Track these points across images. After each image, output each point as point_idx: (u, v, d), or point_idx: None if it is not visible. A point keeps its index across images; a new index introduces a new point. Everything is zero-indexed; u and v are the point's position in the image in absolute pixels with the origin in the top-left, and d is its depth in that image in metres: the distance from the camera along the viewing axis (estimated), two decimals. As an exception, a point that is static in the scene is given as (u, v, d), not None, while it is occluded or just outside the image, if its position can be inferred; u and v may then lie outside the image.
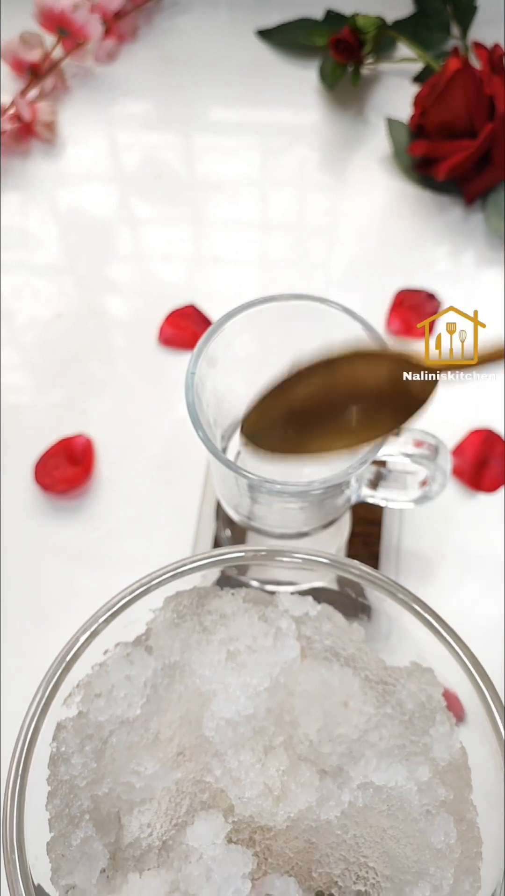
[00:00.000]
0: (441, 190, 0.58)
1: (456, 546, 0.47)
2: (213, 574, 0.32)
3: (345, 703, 0.28)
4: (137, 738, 0.27)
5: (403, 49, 0.63)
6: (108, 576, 0.46)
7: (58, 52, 0.63)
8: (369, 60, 0.63)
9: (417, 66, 0.62)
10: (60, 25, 0.61)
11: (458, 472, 0.48)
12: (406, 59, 0.63)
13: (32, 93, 0.62)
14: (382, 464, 0.41)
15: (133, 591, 0.30)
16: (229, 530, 0.46)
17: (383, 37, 0.62)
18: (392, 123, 0.60)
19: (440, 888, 0.25)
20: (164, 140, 0.63)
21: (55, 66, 0.63)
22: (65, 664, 0.28)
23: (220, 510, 0.46)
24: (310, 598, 0.30)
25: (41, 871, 0.26)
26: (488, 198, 0.57)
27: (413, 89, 0.60)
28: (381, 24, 0.60)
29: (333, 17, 0.64)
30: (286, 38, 0.65)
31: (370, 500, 0.40)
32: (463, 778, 0.28)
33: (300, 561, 0.30)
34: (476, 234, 0.57)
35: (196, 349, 0.36)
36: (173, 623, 0.29)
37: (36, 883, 0.25)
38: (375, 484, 0.40)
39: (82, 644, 0.28)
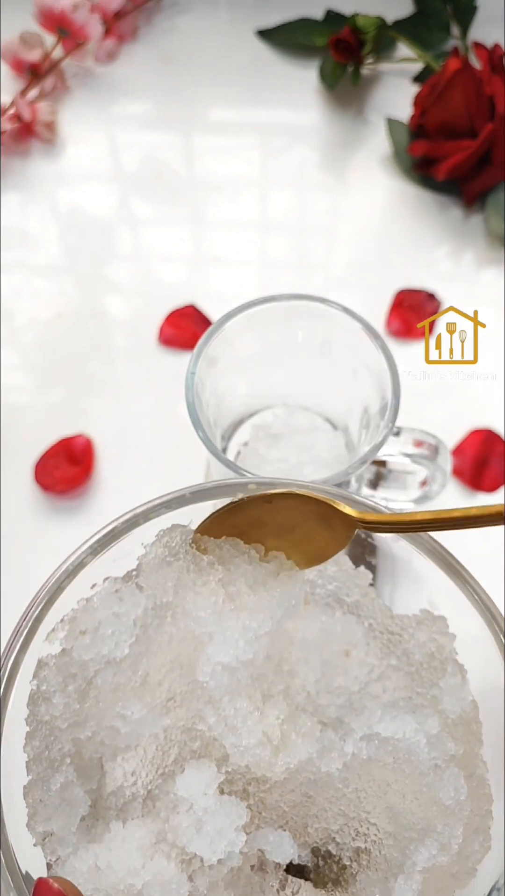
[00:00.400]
0: (441, 190, 0.58)
1: (456, 546, 0.47)
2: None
3: (346, 652, 0.27)
4: (124, 680, 0.25)
5: (403, 49, 0.63)
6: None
7: (58, 52, 0.63)
8: (369, 60, 0.63)
9: (417, 66, 0.62)
10: (60, 25, 0.61)
11: (458, 472, 0.48)
12: (406, 59, 0.63)
13: (32, 93, 0.62)
14: (382, 464, 0.41)
15: (122, 521, 0.27)
16: None
17: (383, 37, 0.62)
18: (392, 123, 0.60)
19: (448, 847, 0.24)
20: (164, 140, 0.63)
21: (55, 66, 0.63)
22: (48, 597, 0.26)
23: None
24: None
25: (17, 816, 0.24)
26: (488, 198, 0.57)
27: (413, 89, 0.60)
28: (381, 24, 0.60)
29: (333, 17, 0.64)
30: (286, 38, 0.65)
31: (370, 501, 0.40)
32: (474, 732, 0.26)
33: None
34: (476, 234, 0.57)
35: (196, 349, 0.36)
36: (165, 561, 0.26)
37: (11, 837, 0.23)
38: (375, 484, 0.40)
39: (67, 574, 0.26)
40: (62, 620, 0.26)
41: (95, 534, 0.27)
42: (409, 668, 0.27)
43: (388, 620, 0.28)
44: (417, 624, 0.27)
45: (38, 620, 0.26)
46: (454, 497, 0.48)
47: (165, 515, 0.28)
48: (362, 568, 0.28)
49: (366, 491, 0.39)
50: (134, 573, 0.26)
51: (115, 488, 0.49)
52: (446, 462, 0.36)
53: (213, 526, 0.26)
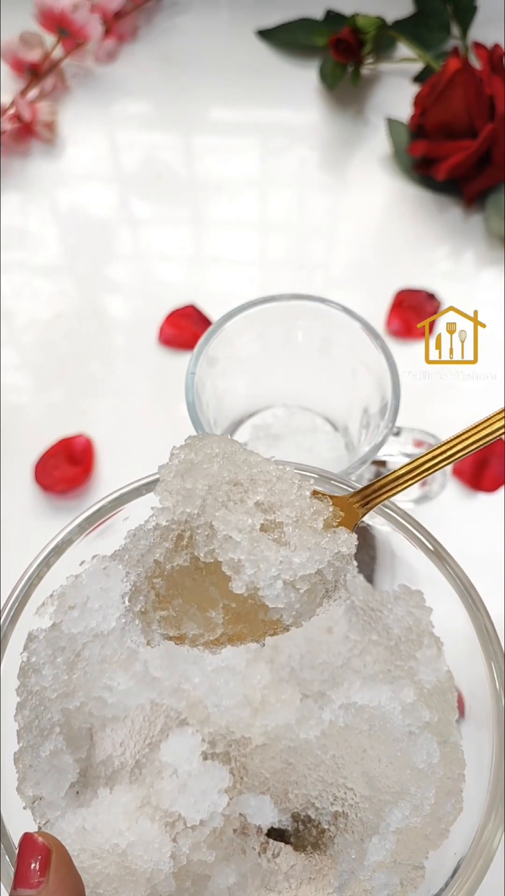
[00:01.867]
0: (441, 190, 0.58)
1: (456, 546, 0.47)
2: None
3: (329, 629, 0.27)
4: (111, 653, 0.26)
5: (403, 49, 0.63)
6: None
7: (58, 52, 0.63)
8: (369, 60, 0.63)
9: (417, 66, 0.62)
10: (60, 25, 0.61)
11: (458, 472, 0.48)
12: (406, 59, 0.63)
13: (32, 93, 0.62)
14: (382, 464, 0.41)
15: (110, 499, 0.28)
16: None
17: (383, 37, 0.62)
18: (392, 123, 0.60)
19: (420, 808, 0.25)
20: (164, 140, 0.63)
21: (55, 66, 0.63)
22: (37, 573, 0.27)
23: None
24: None
25: (8, 781, 0.25)
26: (488, 198, 0.57)
27: (413, 89, 0.60)
28: (381, 24, 0.60)
29: (333, 17, 0.64)
30: (286, 38, 0.65)
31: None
32: (448, 701, 0.27)
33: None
34: (476, 234, 0.57)
35: (196, 349, 0.36)
36: (195, 465, 0.25)
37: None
38: None
39: (55, 551, 0.27)
40: (51, 595, 0.26)
41: (83, 512, 0.28)
42: (388, 642, 0.28)
43: (368, 597, 0.28)
44: (396, 599, 0.28)
45: (28, 595, 0.27)
46: (454, 497, 0.48)
47: (151, 495, 0.28)
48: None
49: None
50: (121, 551, 0.26)
51: (115, 488, 0.49)
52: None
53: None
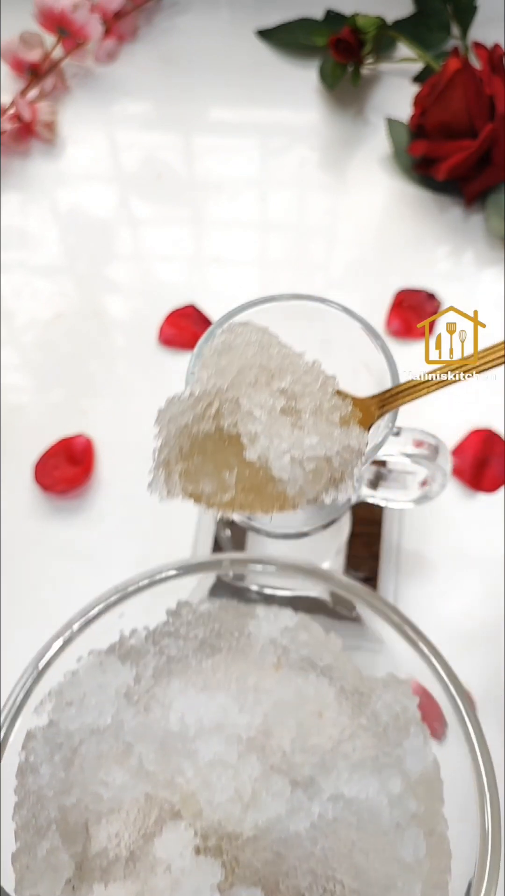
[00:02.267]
0: (441, 190, 0.58)
1: (456, 546, 0.47)
2: (209, 580, 0.32)
3: (319, 713, 0.28)
4: (107, 748, 0.27)
5: (403, 49, 0.63)
6: (107, 575, 0.46)
7: (58, 52, 0.63)
8: (369, 60, 0.63)
9: (417, 66, 0.62)
10: (60, 25, 0.61)
11: (458, 472, 0.48)
12: (406, 59, 0.63)
13: (32, 93, 0.62)
14: (382, 464, 0.41)
15: (108, 599, 0.30)
16: (229, 530, 0.46)
17: (383, 37, 0.62)
18: (392, 123, 0.60)
19: None
20: (164, 140, 0.63)
21: (55, 66, 0.63)
22: (37, 672, 0.28)
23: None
24: (288, 610, 0.30)
25: (6, 882, 0.26)
26: (488, 198, 0.57)
27: (413, 89, 0.60)
28: (381, 24, 0.60)
29: (333, 17, 0.64)
30: (286, 38, 0.65)
31: (370, 500, 0.40)
32: (434, 791, 0.28)
33: (274, 570, 0.31)
34: (476, 234, 0.57)
35: (196, 349, 0.36)
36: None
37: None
38: (375, 484, 0.40)
39: (56, 652, 0.28)
40: (49, 693, 0.28)
41: (80, 611, 0.30)
42: (376, 728, 0.28)
43: (358, 682, 0.29)
44: (384, 686, 0.29)
45: (28, 694, 0.28)
46: (455, 497, 0.48)
47: (149, 591, 0.30)
48: (333, 634, 0.30)
49: (366, 491, 0.39)
50: (117, 645, 0.28)
51: (115, 488, 0.49)
52: (446, 462, 0.36)
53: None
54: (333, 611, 0.33)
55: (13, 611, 0.45)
